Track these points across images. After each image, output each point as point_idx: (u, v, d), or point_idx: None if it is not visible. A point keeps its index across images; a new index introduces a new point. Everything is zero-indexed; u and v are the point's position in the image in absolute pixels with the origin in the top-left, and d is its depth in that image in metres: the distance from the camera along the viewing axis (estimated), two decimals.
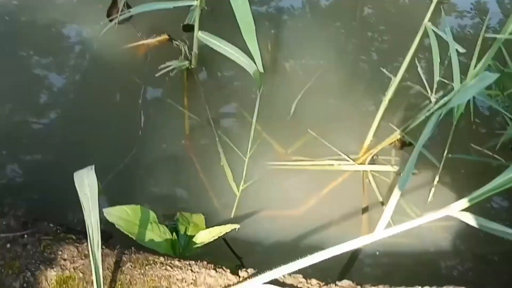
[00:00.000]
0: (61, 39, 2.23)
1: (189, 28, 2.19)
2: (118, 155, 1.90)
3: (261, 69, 1.85)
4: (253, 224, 1.79)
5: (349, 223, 1.83)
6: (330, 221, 1.82)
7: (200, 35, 1.91)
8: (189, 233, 1.52)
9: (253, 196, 1.85)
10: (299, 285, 1.32)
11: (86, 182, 1.26)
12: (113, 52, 2.13)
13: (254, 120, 1.83)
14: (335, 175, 1.92)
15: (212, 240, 1.48)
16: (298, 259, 1.22)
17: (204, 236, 1.49)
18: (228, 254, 1.67)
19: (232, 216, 1.81)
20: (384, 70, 1.85)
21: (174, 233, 1.48)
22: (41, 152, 1.90)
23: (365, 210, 1.87)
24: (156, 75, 2.06)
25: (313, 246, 1.74)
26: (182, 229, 1.50)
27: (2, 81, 2.06)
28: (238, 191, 1.81)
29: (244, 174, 1.84)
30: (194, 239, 1.50)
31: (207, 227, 1.54)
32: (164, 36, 2.18)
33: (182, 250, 1.48)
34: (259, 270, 1.33)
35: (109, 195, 1.75)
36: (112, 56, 2.13)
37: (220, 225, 1.51)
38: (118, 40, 2.15)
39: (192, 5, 1.83)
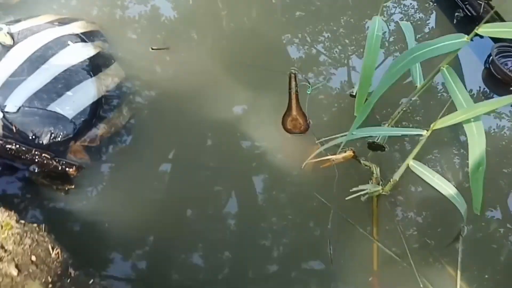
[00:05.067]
0: (230, 143, 2.12)
1: (376, 148, 2.01)
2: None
3: (478, 211, 1.65)
4: None
5: None
6: None
7: (412, 165, 1.72)
8: None
9: None
10: None
11: None
12: (295, 166, 1.95)
13: (458, 277, 1.59)
14: None
15: None
16: None
17: None
18: None
19: None
20: None
21: None
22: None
23: None
24: (346, 198, 1.83)
25: None
26: None
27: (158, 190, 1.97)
28: None
29: None
30: None
31: None
32: (349, 153, 2.00)
33: None
34: None
35: None
36: (294, 170, 1.94)
37: None
38: (299, 151, 1.97)
39: (420, 135, 1.62)
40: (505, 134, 2.16)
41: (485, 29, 1.54)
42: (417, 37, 2.39)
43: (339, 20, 2.50)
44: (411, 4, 2.69)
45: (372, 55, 1.81)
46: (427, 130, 1.65)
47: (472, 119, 1.60)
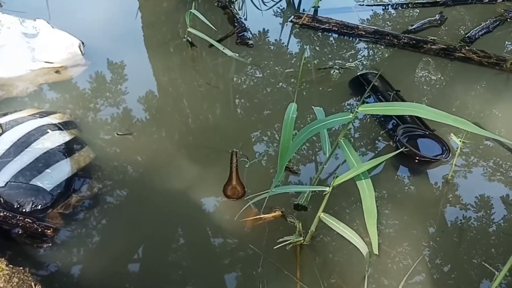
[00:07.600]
0: (181, 208, 2.60)
1: (299, 208, 2.50)
2: None
3: (377, 252, 2.11)
4: None
5: None
6: None
7: (323, 217, 2.20)
8: None
9: None
10: None
11: None
12: (232, 223, 2.41)
13: None
14: None
15: None
16: None
17: None
18: None
19: None
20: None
21: None
22: None
23: None
24: (274, 248, 2.29)
25: None
26: None
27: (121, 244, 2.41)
28: None
29: None
30: None
31: None
32: (278, 213, 2.48)
33: None
34: None
35: None
36: (232, 227, 2.40)
37: None
38: (235, 212, 2.44)
39: (324, 191, 2.11)
40: (472, 225, 2.63)
41: (364, 108, 2.07)
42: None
43: (276, 113, 3.08)
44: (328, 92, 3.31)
45: (288, 132, 2.33)
46: (329, 187, 2.14)
47: (362, 176, 2.09)
